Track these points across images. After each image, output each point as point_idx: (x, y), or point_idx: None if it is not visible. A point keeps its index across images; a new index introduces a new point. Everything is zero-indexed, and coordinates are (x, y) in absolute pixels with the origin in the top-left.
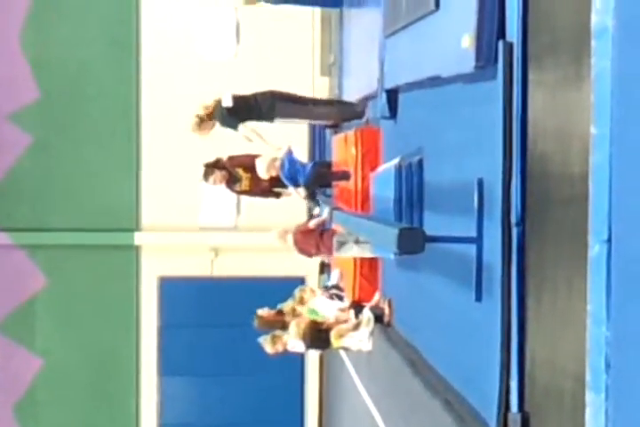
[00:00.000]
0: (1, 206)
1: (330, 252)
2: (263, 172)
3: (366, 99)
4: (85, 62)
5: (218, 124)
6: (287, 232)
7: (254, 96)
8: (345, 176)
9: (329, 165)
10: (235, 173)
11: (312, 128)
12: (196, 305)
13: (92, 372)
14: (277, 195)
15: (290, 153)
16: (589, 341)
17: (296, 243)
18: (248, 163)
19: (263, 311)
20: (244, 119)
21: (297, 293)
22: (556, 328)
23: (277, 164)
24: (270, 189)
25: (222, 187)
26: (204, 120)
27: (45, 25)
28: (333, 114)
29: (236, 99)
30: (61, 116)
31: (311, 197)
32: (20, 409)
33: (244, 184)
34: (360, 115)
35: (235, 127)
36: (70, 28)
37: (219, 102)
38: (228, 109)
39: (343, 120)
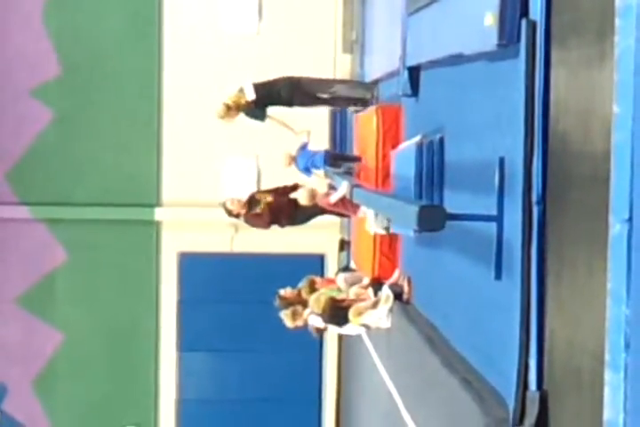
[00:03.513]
0: (23, 181)
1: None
2: (285, 165)
3: (376, 82)
4: (107, 37)
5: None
6: (316, 195)
7: (274, 83)
8: (356, 159)
9: (339, 154)
10: (254, 197)
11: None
12: (215, 281)
13: (111, 347)
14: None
15: (303, 147)
16: (609, 319)
17: (322, 204)
18: (267, 190)
19: (286, 292)
20: (267, 105)
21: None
22: (576, 307)
23: (292, 160)
24: (289, 206)
25: (242, 216)
26: (233, 110)
27: (68, 1)
28: (349, 101)
29: (257, 87)
30: (83, 91)
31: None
32: (40, 383)
33: (263, 202)
34: (367, 102)
35: (261, 118)
36: (92, 4)
37: (242, 94)
38: (254, 101)
39: (360, 105)
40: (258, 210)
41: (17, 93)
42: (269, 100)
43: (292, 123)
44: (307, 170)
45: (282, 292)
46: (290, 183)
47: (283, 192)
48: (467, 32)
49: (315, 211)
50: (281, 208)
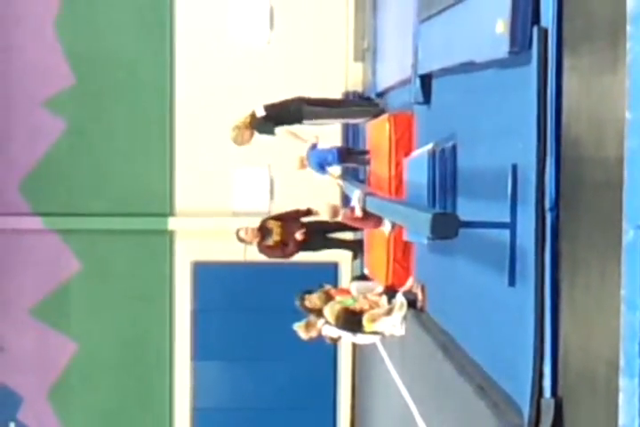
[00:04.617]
0: (36, 191)
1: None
2: (297, 167)
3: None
4: (120, 48)
5: (256, 133)
6: (338, 210)
7: (284, 102)
8: (366, 153)
9: (352, 148)
10: (265, 225)
11: None
12: (229, 290)
13: (125, 356)
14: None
15: (313, 147)
16: (623, 326)
17: (345, 219)
18: (278, 216)
19: (310, 302)
20: (277, 124)
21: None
22: (590, 313)
23: (305, 162)
24: (302, 233)
25: (255, 244)
26: (242, 129)
27: (80, 11)
28: (359, 113)
29: (267, 107)
30: (96, 102)
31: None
32: (55, 393)
33: (276, 233)
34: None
35: (272, 132)
36: (105, 14)
37: (254, 114)
38: (263, 117)
39: (370, 118)
40: (270, 242)
41: (30, 104)
42: (279, 118)
43: (303, 132)
44: (321, 168)
45: (307, 301)
46: (303, 208)
47: (295, 217)
48: (478, 39)
49: (327, 243)
50: (293, 236)
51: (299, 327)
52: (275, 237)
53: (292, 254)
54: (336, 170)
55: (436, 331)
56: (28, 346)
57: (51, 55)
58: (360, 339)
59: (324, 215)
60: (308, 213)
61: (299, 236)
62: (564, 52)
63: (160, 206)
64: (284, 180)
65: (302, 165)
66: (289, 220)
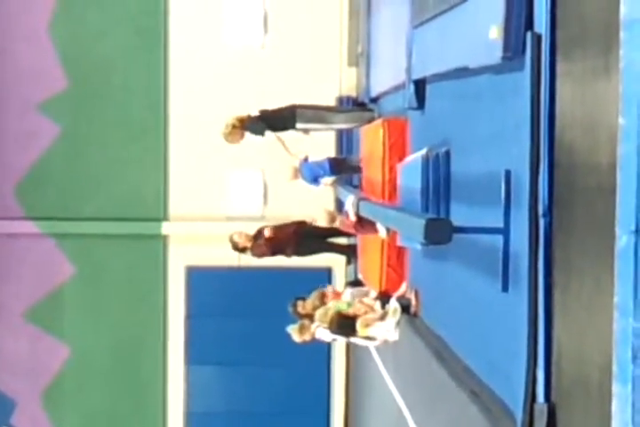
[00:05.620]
0: (30, 195)
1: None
2: (290, 178)
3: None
4: (114, 52)
5: (247, 134)
6: (336, 216)
7: (278, 108)
8: (358, 162)
9: (342, 158)
10: (260, 230)
11: None
12: (223, 295)
13: (119, 360)
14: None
15: (305, 160)
16: (616, 332)
17: (343, 226)
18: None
19: (303, 307)
20: (269, 126)
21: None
22: (583, 319)
23: (298, 173)
24: (295, 235)
25: (248, 250)
26: (235, 128)
27: (74, 15)
28: (352, 118)
29: (262, 111)
30: (89, 105)
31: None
32: (48, 397)
33: (268, 231)
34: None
35: (261, 133)
36: (99, 18)
37: (249, 115)
38: (256, 117)
39: (364, 123)
40: (261, 241)
41: (24, 108)
42: (272, 121)
43: (294, 145)
44: (315, 180)
45: (300, 308)
46: (297, 219)
47: (289, 225)
48: (472, 45)
49: (320, 246)
50: (285, 238)
51: (292, 330)
52: (267, 234)
53: (268, 246)
54: (329, 180)
55: (429, 336)
56: (22, 350)
57: (45, 59)
58: (354, 340)
59: (321, 221)
60: (303, 224)
61: (267, 232)
62: (558, 58)
63: (154, 211)
64: (278, 184)
65: (295, 176)
66: (283, 226)
